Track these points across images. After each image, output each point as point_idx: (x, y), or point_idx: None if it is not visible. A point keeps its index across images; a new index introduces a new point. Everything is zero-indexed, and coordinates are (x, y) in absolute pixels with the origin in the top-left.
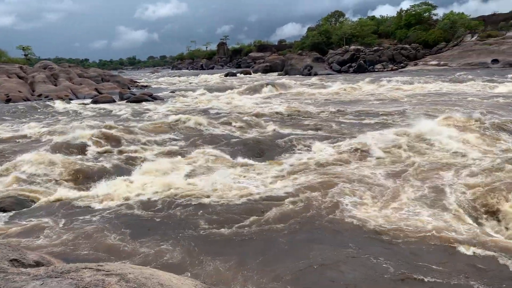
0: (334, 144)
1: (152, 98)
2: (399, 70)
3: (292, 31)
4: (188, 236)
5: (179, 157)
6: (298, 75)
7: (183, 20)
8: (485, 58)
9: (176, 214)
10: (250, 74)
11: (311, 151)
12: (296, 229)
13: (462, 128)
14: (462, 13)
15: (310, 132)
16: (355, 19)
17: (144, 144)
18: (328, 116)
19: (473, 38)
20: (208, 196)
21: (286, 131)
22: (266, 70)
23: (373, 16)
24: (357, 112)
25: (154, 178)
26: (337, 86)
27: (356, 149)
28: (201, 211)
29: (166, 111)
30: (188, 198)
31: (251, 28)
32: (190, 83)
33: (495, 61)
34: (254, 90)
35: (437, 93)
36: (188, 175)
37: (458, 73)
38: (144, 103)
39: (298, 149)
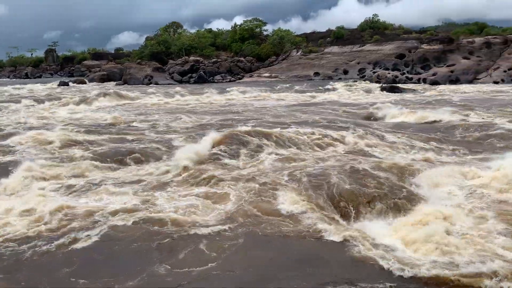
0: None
1: None
2: (237, 81)
3: (128, 39)
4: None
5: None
6: (138, 85)
7: (1, 24)
8: (309, 71)
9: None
10: (85, 83)
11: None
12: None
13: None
14: (288, 30)
15: (170, 142)
16: (193, 31)
17: None
18: (183, 124)
19: (298, 53)
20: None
21: (144, 143)
22: (103, 79)
23: (210, 29)
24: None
25: None
26: (188, 96)
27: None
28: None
29: None
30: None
31: (83, 35)
32: (12, 93)
33: (316, 74)
34: (92, 100)
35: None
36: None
37: (288, 84)
38: None
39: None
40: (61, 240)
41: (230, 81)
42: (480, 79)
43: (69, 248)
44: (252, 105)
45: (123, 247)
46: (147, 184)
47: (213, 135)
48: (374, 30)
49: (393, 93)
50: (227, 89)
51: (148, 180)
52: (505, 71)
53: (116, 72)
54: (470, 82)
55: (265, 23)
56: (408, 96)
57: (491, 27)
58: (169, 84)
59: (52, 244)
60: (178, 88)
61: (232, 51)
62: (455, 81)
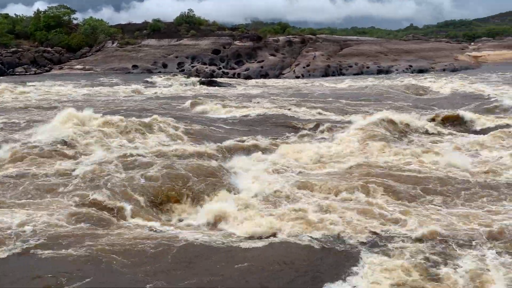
0: None
1: None
2: (44, 73)
3: None
4: None
5: None
6: None
7: None
8: (126, 63)
9: None
10: None
11: None
12: None
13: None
14: (101, 20)
15: None
16: None
17: None
18: None
19: (114, 45)
20: None
21: None
22: None
23: (7, 14)
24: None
25: None
26: None
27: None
28: None
29: None
30: None
31: None
32: None
33: (135, 66)
34: None
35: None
36: None
37: (106, 78)
38: None
39: None
40: None
41: (36, 73)
42: (284, 74)
43: None
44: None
45: None
46: None
47: None
48: (190, 25)
49: (212, 87)
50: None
51: None
52: (304, 67)
53: None
54: (277, 76)
55: (74, 11)
56: (224, 89)
57: (292, 27)
58: None
59: None
60: None
61: (36, 40)
62: (265, 75)
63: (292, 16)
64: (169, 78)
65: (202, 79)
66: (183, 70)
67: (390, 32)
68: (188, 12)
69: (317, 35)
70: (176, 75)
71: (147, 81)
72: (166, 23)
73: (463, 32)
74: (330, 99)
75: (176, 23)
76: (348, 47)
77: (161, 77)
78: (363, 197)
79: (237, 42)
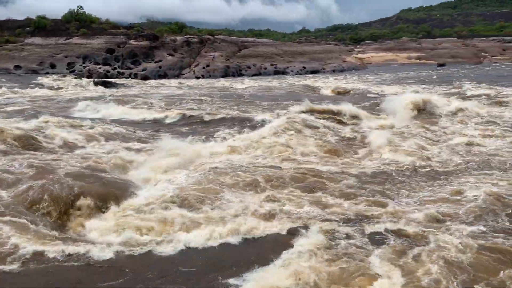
0: None
1: None
2: None
3: None
4: None
5: None
6: None
7: None
8: (7, 63)
9: None
10: None
11: None
12: None
13: None
14: None
15: None
16: None
17: None
18: None
19: None
20: None
21: None
22: None
23: None
24: None
25: None
26: None
27: None
28: None
29: None
30: None
31: None
32: None
33: (18, 67)
34: None
35: None
36: None
37: None
38: None
39: None
40: None
41: None
42: (184, 74)
43: None
44: None
45: None
46: None
47: None
48: (81, 23)
49: (108, 88)
50: None
51: None
52: (204, 68)
53: None
54: (177, 77)
55: None
56: (122, 90)
57: (189, 27)
58: None
59: None
60: None
61: None
62: (163, 76)
63: (188, 16)
64: (59, 80)
65: (96, 80)
66: (73, 71)
67: (285, 34)
68: (77, 9)
69: (215, 36)
70: (66, 76)
71: (35, 83)
72: (52, 20)
73: (350, 35)
74: (265, 101)
75: (64, 20)
76: (246, 49)
77: (48, 77)
78: (280, 190)
79: (132, 41)
